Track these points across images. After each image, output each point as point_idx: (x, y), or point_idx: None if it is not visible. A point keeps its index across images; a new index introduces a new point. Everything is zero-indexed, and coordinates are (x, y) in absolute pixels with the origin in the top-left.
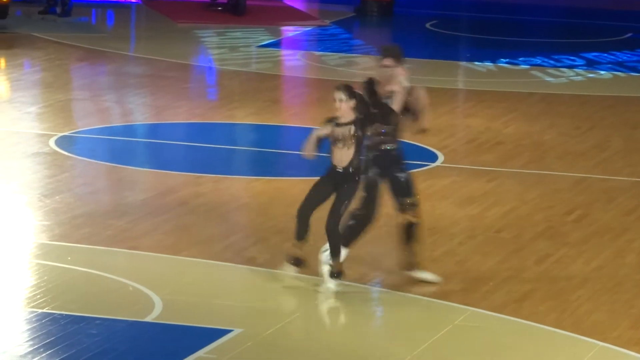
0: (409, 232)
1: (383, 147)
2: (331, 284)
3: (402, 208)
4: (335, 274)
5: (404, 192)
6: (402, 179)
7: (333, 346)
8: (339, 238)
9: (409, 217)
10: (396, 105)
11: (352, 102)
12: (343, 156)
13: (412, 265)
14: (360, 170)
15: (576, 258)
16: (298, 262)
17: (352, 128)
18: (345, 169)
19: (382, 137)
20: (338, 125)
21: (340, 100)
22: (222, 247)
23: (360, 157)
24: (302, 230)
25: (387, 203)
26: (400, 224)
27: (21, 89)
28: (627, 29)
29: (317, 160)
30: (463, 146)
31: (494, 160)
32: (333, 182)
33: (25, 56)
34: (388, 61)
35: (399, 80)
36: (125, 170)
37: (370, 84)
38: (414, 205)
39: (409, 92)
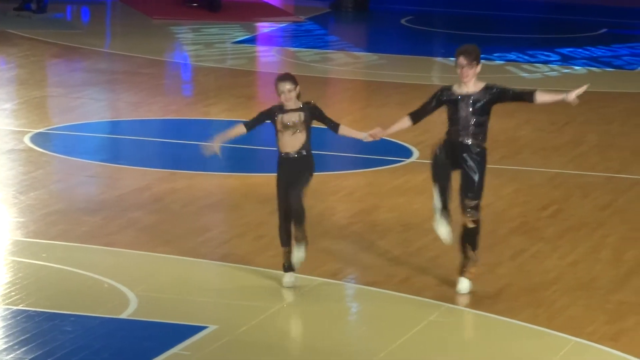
0: (464, 236)
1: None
2: (302, 252)
3: (462, 209)
4: (305, 241)
5: (468, 191)
6: (472, 178)
7: (307, 343)
8: (301, 214)
9: (466, 221)
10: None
11: (298, 89)
12: (295, 141)
13: (461, 270)
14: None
15: (551, 253)
16: (290, 268)
17: (302, 114)
18: (299, 152)
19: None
20: (286, 112)
21: (290, 91)
22: (197, 244)
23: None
24: (285, 238)
25: (364, 199)
26: (461, 225)
27: None
28: (601, 24)
29: None
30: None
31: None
32: (288, 171)
33: (1, 53)
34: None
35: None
36: (100, 167)
37: None
38: (474, 210)
39: None
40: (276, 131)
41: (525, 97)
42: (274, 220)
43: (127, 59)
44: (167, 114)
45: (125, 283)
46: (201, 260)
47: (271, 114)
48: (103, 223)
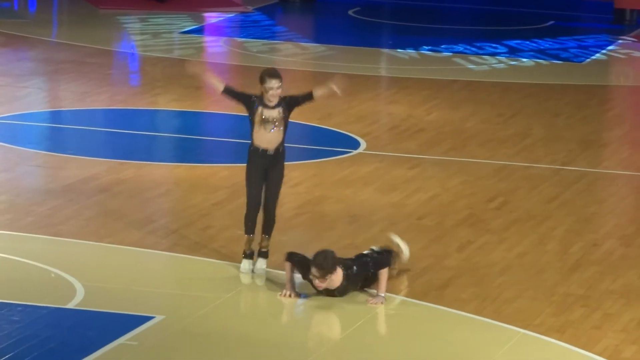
0: None
1: None
2: (264, 264)
3: None
4: (267, 252)
5: None
6: None
7: (254, 334)
8: (274, 218)
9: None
10: None
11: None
12: (273, 138)
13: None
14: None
15: (498, 245)
16: (250, 256)
17: (281, 110)
18: (276, 150)
19: None
20: (267, 107)
21: (278, 88)
22: (144, 234)
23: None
24: (251, 226)
25: (311, 190)
26: None
27: None
28: (549, 16)
29: (237, 148)
30: (385, 133)
31: (416, 147)
32: (263, 166)
33: None
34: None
35: None
36: (47, 157)
37: None
38: None
39: None
40: (252, 123)
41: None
42: (221, 211)
43: (74, 49)
44: (114, 104)
45: (73, 273)
46: (148, 250)
47: (250, 102)
48: (50, 213)
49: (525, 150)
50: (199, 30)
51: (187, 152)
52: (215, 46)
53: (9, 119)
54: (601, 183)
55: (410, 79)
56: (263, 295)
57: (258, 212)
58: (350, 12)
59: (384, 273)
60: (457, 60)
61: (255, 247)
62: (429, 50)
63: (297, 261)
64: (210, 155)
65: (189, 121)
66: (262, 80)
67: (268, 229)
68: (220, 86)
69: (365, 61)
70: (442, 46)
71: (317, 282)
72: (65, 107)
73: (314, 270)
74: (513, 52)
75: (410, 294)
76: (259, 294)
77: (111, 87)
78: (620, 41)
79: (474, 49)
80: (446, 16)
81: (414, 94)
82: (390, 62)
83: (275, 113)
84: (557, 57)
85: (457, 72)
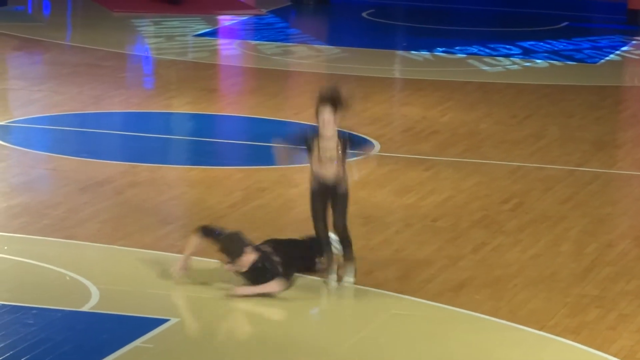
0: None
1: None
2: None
3: None
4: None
5: None
6: None
7: (269, 335)
8: (349, 239)
9: None
10: None
11: (338, 114)
12: (330, 169)
13: None
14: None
15: (512, 246)
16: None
17: (338, 141)
18: (336, 182)
19: None
20: (323, 138)
21: (330, 115)
22: (158, 236)
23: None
24: (327, 248)
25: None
26: None
27: None
28: (563, 17)
29: (251, 150)
30: (399, 135)
31: (431, 149)
32: (324, 195)
33: None
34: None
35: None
36: (61, 160)
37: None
38: None
39: None
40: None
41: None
42: (235, 213)
43: (88, 52)
44: (128, 107)
45: (87, 276)
46: (163, 253)
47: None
48: (65, 216)
49: (540, 151)
50: (213, 33)
51: (201, 155)
52: (228, 49)
53: (23, 122)
54: (615, 184)
55: (424, 81)
56: (279, 297)
57: (327, 237)
58: (364, 14)
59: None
60: (471, 61)
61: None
62: (442, 51)
63: (210, 237)
64: (225, 157)
65: (203, 124)
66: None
67: (347, 254)
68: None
69: (379, 63)
70: (456, 48)
71: (226, 266)
72: (80, 110)
73: (221, 254)
74: (527, 53)
75: (425, 295)
76: (274, 296)
77: (125, 90)
78: (634, 42)
79: (487, 50)
80: (460, 18)
81: (428, 95)
82: (404, 63)
83: (332, 144)
84: (571, 58)
85: (471, 74)
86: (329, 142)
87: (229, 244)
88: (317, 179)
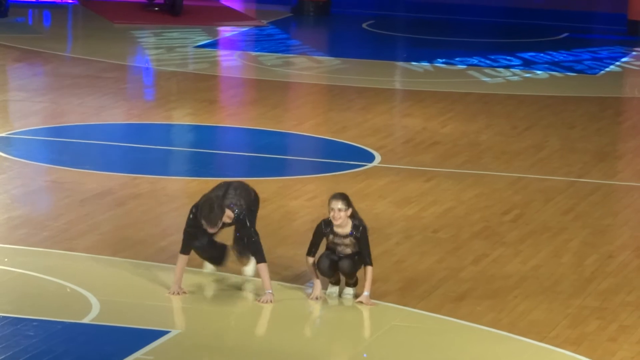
0: None
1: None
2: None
3: None
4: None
5: None
6: None
7: (270, 347)
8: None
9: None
10: None
11: (350, 211)
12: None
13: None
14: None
15: (513, 258)
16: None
17: (352, 240)
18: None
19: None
20: (336, 235)
21: (340, 210)
22: (159, 248)
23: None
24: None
25: (326, 203)
26: None
27: None
28: (563, 28)
29: (252, 162)
30: (400, 146)
31: (431, 160)
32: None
33: None
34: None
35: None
36: (62, 172)
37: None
38: None
39: None
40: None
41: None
42: None
43: (89, 63)
44: (129, 118)
45: (88, 288)
46: (163, 264)
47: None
48: (65, 227)
49: (540, 162)
50: (213, 44)
51: (201, 166)
52: (229, 60)
53: (24, 134)
54: (616, 195)
55: (424, 92)
56: (281, 309)
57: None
58: (364, 25)
59: (262, 268)
60: (472, 72)
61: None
62: (443, 63)
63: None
64: (225, 169)
65: (204, 135)
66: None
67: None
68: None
69: (380, 74)
70: (457, 59)
71: (209, 229)
72: (81, 122)
73: (204, 223)
74: (527, 64)
75: (426, 307)
76: (276, 307)
77: (126, 102)
78: (634, 53)
79: (488, 61)
80: (460, 29)
81: (428, 106)
82: (404, 75)
83: (347, 241)
84: (572, 69)
85: (472, 85)
86: (343, 239)
87: (208, 213)
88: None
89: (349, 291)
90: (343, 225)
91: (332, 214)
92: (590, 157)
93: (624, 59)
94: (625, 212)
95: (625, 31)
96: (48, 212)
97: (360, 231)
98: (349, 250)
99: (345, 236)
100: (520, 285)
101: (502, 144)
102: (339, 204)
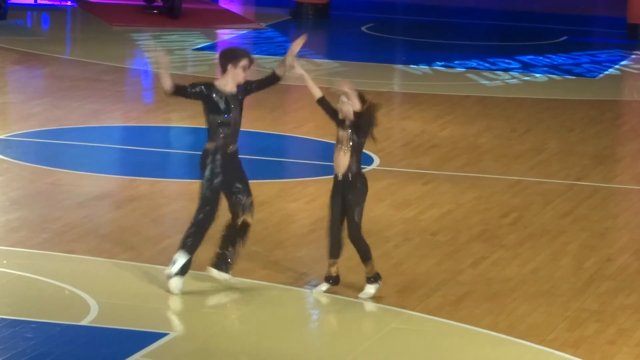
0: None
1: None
2: (371, 289)
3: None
4: (372, 278)
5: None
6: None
7: (269, 349)
8: (365, 245)
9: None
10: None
11: (357, 105)
12: (340, 161)
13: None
14: (361, 176)
15: (512, 260)
16: (334, 280)
17: (350, 132)
18: (344, 176)
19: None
20: (341, 126)
21: (343, 102)
22: (157, 250)
23: (360, 164)
24: (334, 250)
25: (325, 206)
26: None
27: None
28: (562, 32)
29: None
30: (399, 149)
31: (430, 163)
32: (339, 193)
33: None
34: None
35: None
36: (61, 174)
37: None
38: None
39: None
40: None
41: (269, 79)
42: None
43: (88, 66)
44: (128, 121)
45: (86, 290)
46: (162, 267)
47: (338, 120)
48: (64, 230)
49: (539, 165)
50: (212, 47)
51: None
52: None
53: (23, 136)
54: (615, 198)
55: (423, 95)
56: (278, 312)
57: (337, 239)
58: (363, 29)
59: None
60: (471, 75)
61: (334, 272)
62: (442, 66)
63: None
64: None
65: (202, 138)
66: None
67: (362, 256)
68: (317, 94)
69: (379, 77)
70: (455, 62)
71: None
72: (79, 124)
73: (244, 62)
74: (526, 67)
75: (424, 310)
76: (273, 310)
77: (125, 104)
78: (633, 56)
79: (487, 64)
80: (459, 32)
81: (427, 109)
82: (403, 78)
83: (345, 133)
84: (571, 73)
85: (471, 88)
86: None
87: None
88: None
89: (368, 290)
90: (348, 117)
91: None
92: (589, 160)
93: (622, 62)
94: (624, 215)
95: (624, 34)
96: (47, 214)
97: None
98: (344, 150)
99: (347, 126)
100: (519, 288)
101: (501, 146)
102: (346, 95)
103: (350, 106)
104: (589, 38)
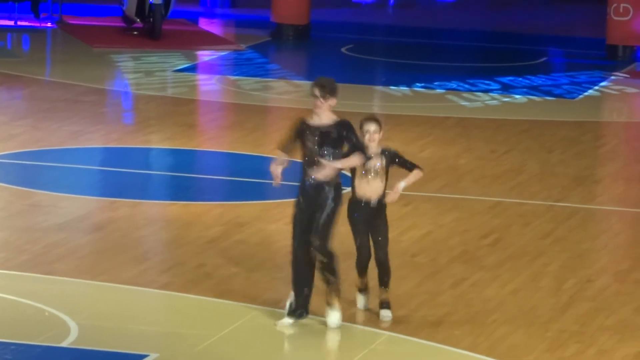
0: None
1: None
2: (386, 314)
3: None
4: (388, 303)
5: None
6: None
7: None
8: (389, 268)
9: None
10: None
11: (381, 134)
12: (375, 188)
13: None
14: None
15: (492, 282)
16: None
17: (383, 159)
18: (379, 201)
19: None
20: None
21: (375, 132)
22: (137, 272)
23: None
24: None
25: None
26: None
27: None
28: (541, 53)
29: (231, 185)
30: None
31: (410, 184)
32: (367, 218)
33: None
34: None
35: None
36: (40, 195)
37: None
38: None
39: None
40: (353, 173)
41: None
42: (214, 249)
43: (68, 87)
44: (108, 142)
45: (66, 311)
46: (142, 288)
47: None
48: (44, 251)
49: (519, 186)
50: (192, 68)
51: (180, 190)
52: (208, 84)
53: (3, 157)
54: (595, 219)
55: (403, 116)
56: (257, 334)
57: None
58: (343, 50)
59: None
60: (450, 97)
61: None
62: (422, 87)
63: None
64: (204, 192)
65: (183, 159)
66: (360, 125)
67: (387, 279)
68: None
69: (359, 98)
70: (435, 83)
71: (317, 102)
72: (59, 146)
73: (315, 90)
74: (506, 88)
75: (404, 331)
76: (253, 332)
77: (105, 126)
78: (613, 77)
79: (467, 85)
80: (439, 53)
81: (407, 130)
82: (383, 99)
83: (377, 162)
84: (550, 94)
85: (451, 109)
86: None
87: (325, 81)
88: (358, 197)
89: (386, 314)
90: (375, 146)
91: (367, 136)
92: (569, 181)
93: (602, 84)
94: (604, 236)
95: (604, 55)
96: (26, 235)
97: (391, 150)
98: (378, 177)
99: (377, 155)
100: (499, 310)
101: (480, 168)
102: (372, 127)
103: (378, 135)
104: (568, 59)
